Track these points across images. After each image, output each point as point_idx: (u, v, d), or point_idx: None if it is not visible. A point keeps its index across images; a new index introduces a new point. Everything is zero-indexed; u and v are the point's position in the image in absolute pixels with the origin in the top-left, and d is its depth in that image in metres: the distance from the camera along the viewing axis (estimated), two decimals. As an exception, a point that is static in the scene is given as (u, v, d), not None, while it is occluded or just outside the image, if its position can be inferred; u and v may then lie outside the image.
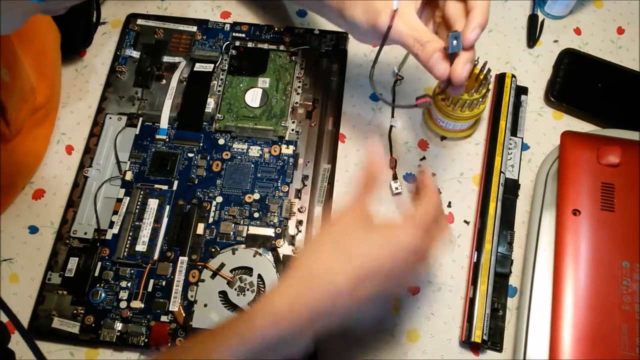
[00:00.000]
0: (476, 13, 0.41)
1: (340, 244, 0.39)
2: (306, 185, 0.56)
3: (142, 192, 0.55)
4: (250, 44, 0.63)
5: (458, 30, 0.42)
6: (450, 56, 0.42)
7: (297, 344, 0.38)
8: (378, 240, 0.39)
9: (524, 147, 0.59)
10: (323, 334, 0.38)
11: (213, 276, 0.52)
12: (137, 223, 0.54)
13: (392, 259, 0.38)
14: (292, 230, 0.54)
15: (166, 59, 0.61)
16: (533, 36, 0.65)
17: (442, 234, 0.43)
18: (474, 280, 0.51)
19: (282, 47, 0.62)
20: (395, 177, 0.57)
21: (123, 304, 0.51)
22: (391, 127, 0.59)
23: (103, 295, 0.51)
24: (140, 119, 0.58)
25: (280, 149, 0.57)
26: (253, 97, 0.60)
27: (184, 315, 0.50)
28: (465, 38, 0.41)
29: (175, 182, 0.56)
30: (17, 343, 0.50)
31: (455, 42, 0.41)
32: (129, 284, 0.52)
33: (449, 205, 0.56)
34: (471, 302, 0.51)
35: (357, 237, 0.39)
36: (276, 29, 0.63)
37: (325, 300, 0.37)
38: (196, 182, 0.56)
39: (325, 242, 0.40)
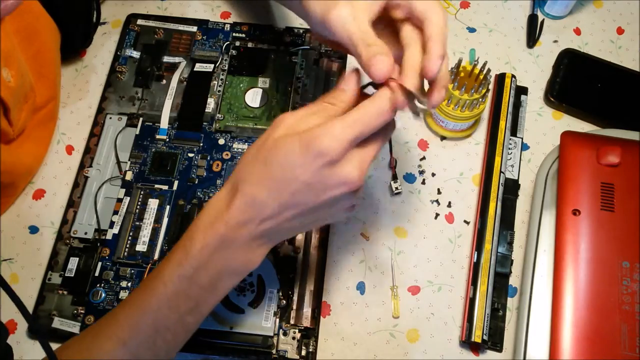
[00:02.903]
0: (434, 44, 0.39)
1: (266, 156, 0.38)
2: (306, 185, 0.56)
3: (142, 192, 0.55)
4: (250, 44, 0.63)
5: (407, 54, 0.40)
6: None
7: (238, 251, 0.39)
8: (291, 145, 0.37)
9: (524, 147, 0.59)
10: (263, 240, 0.39)
11: (213, 276, 0.52)
12: (137, 223, 0.54)
13: (304, 165, 0.37)
14: (292, 230, 0.54)
15: (166, 59, 0.62)
16: (533, 36, 0.65)
17: (370, 156, 0.39)
18: (474, 280, 0.51)
19: (282, 47, 0.62)
20: (395, 177, 0.57)
21: (124, 298, 0.50)
22: (391, 127, 0.59)
23: (103, 295, 0.51)
24: (141, 119, 0.59)
25: (281, 149, 0.57)
26: (253, 97, 0.60)
27: (184, 315, 0.50)
28: (428, 70, 0.39)
29: (176, 182, 0.56)
30: (17, 343, 0.50)
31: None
32: (129, 284, 0.52)
33: (449, 205, 0.57)
34: (471, 302, 0.51)
35: (282, 149, 0.38)
36: (276, 29, 0.63)
37: (245, 210, 0.38)
38: (196, 182, 0.56)
39: (257, 151, 0.39)
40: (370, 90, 0.42)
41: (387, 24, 0.43)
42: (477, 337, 0.49)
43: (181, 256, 0.40)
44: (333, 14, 0.41)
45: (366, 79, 0.41)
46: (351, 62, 0.63)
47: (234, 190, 0.39)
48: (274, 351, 0.49)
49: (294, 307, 0.51)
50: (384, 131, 0.40)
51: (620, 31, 0.66)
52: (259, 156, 0.39)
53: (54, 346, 0.50)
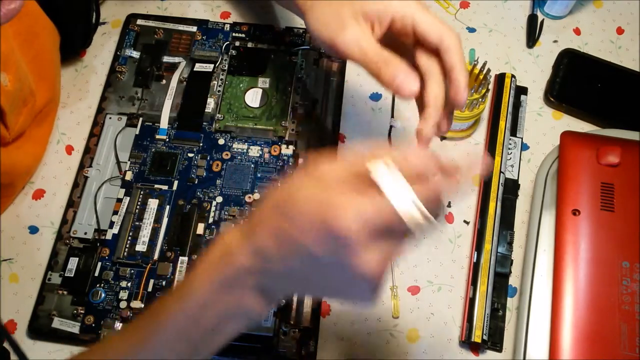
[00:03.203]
0: (459, 74, 0.39)
1: (283, 207, 0.33)
2: (306, 185, 0.56)
3: (142, 192, 0.55)
4: (250, 44, 0.63)
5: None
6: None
7: (246, 296, 0.34)
8: (309, 216, 0.31)
9: (524, 147, 0.59)
10: (269, 293, 0.35)
11: (213, 276, 0.51)
12: (137, 223, 0.54)
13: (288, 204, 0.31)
14: (292, 230, 0.54)
15: (166, 59, 0.62)
16: (533, 36, 0.65)
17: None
18: (474, 280, 0.51)
19: (282, 47, 0.62)
20: (395, 177, 0.57)
21: (123, 304, 0.51)
22: (391, 127, 0.59)
23: (103, 295, 0.51)
24: (140, 119, 0.59)
25: (280, 149, 0.57)
26: (253, 97, 0.60)
27: (184, 315, 0.50)
28: (457, 101, 0.39)
29: (175, 182, 0.56)
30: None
31: None
32: (129, 284, 0.52)
33: (449, 205, 0.56)
34: (471, 302, 0.51)
35: (298, 209, 0.31)
36: (276, 29, 0.63)
37: (255, 261, 0.33)
38: (196, 182, 0.56)
39: (273, 200, 0.34)
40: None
41: (389, 42, 0.43)
42: (477, 337, 0.49)
43: (184, 292, 0.36)
44: (341, 39, 0.41)
45: None
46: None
47: (246, 234, 0.34)
48: (274, 351, 0.49)
49: (294, 307, 0.51)
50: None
51: (620, 31, 0.66)
52: (274, 204, 0.33)
53: (53, 348, 0.50)
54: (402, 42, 0.43)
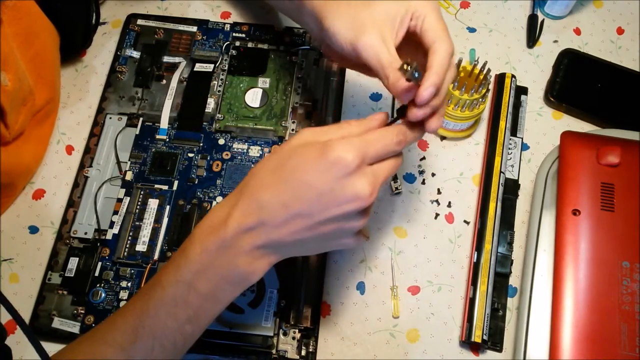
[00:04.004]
0: (431, 74, 0.39)
1: (280, 163, 0.38)
2: (306, 185, 0.56)
3: (142, 192, 0.55)
4: (250, 44, 0.63)
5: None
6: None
7: (240, 259, 0.38)
8: (308, 151, 0.37)
9: (524, 147, 0.59)
10: (266, 250, 0.38)
11: (213, 276, 0.52)
12: (137, 223, 0.54)
13: (318, 176, 0.36)
14: (292, 230, 0.54)
15: (166, 59, 0.62)
16: (533, 36, 0.65)
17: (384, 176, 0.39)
18: (474, 280, 0.51)
19: (282, 47, 0.62)
20: (395, 177, 0.57)
21: (123, 304, 0.51)
22: (391, 127, 0.59)
23: (103, 295, 0.51)
24: (141, 119, 0.59)
25: (281, 149, 0.57)
26: (253, 97, 0.60)
27: (184, 315, 0.50)
28: (418, 96, 0.39)
29: (176, 182, 0.56)
30: (17, 343, 0.50)
31: (416, 74, 0.39)
32: (129, 284, 0.52)
33: (449, 205, 0.57)
34: (471, 302, 0.51)
35: (298, 156, 0.38)
36: (276, 29, 0.63)
37: (250, 214, 0.37)
38: (196, 182, 0.56)
39: (270, 159, 0.39)
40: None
41: (408, 42, 0.43)
42: (477, 337, 0.49)
43: (180, 260, 0.39)
44: (363, 41, 0.41)
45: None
46: (351, 62, 0.63)
47: (240, 195, 0.38)
48: (273, 351, 0.49)
49: (294, 307, 0.51)
50: (397, 157, 0.41)
51: (620, 31, 0.66)
52: (270, 163, 0.39)
53: (53, 348, 0.50)
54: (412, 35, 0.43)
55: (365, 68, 0.43)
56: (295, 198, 0.37)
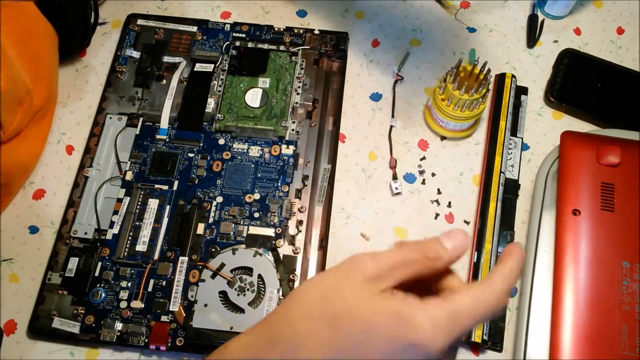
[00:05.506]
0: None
1: (325, 298, 0.30)
2: (306, 185, 0.56)
3: (142, 192, 0.55)
4: (250, 44, 0.63)
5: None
6: None
7: None
8: (385, 308, 0.29)
9: (524, 147, 0.59)
10: None
11: (213, 276, 0.52)
12: (137, 223, 0.54)
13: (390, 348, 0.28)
14: (292, 230, 0.54)
15: (166, 59, 0.62)
16: (533, 36, 0.65)
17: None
18: (474, 280, 0.51)
19: (282, 47, 0.62)
20: (395, 177, 0.57)
21: (123, 304, 0.51)
22: (391, 127, 0.59)
23: (103, 295, 0.51)
24: (141, 119, 0.59)
25: (281, 149, 0.57)
26: (253, 97, 0.60)
27: (184, 315, 0.50)
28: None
29: (176, 182, 0.56)
30: (17, 343, 0.50)
31: None
32: (129, 284, 0.52)
33: (449, 205, 0.57)
34: (471, 302, 0.51)
35: (353, 294, 0.29)
36: (276, 29, 0.63)
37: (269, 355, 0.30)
38: (196, 182, 0.56)
39: (307, 290, 0.31)
40: None
41: None
42: (477, 337, 0.49)
43: None
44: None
45: None
46: (351, 61, 0.63)
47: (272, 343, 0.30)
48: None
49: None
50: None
51: (620, 31, 0.66)
52: (331, 317, 0.30)
53: (53, 348, 0.50)
54: None
55: None
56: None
